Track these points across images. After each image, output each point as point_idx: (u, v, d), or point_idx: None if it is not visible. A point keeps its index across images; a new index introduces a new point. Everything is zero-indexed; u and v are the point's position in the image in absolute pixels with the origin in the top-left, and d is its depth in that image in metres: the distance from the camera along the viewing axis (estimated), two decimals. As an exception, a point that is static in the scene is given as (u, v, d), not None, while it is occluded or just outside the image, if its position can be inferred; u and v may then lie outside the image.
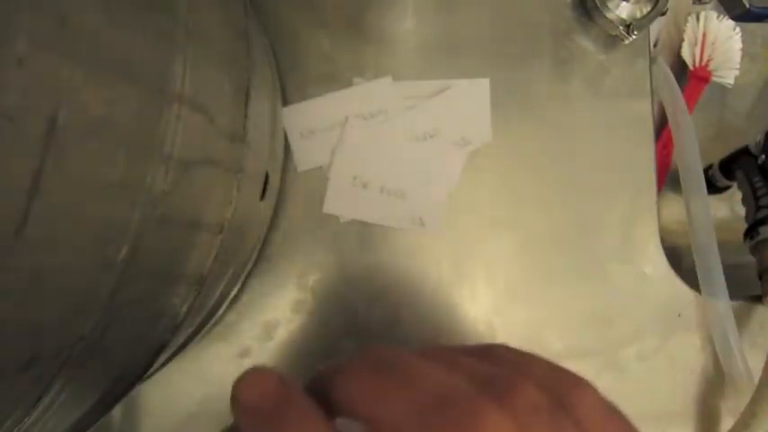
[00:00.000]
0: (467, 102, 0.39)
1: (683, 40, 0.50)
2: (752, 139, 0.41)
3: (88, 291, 0.18)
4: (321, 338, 0.38)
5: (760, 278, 0.36)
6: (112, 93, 0.16)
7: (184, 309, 0.25)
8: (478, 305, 0.38)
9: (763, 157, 0.39)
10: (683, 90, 0.48)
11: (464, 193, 0.39)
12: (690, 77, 0.50)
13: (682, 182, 0.39)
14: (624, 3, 0.38)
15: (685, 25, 0.50)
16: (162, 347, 0.25)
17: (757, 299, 0.38)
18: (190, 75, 0.20)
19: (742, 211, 0.40)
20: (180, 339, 0.28)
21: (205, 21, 0.23)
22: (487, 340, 0.38)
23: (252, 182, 0.29)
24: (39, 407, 0.18)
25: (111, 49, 0.16)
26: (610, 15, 0.38)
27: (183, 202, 0.21)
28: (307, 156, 0.39)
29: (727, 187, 0.49)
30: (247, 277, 0.37)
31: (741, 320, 0.38)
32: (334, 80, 0.39)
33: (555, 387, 0.15)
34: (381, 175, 0.39)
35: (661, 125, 0.49)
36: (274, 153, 0.35)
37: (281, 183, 0.38)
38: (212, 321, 0.35)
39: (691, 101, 0.50)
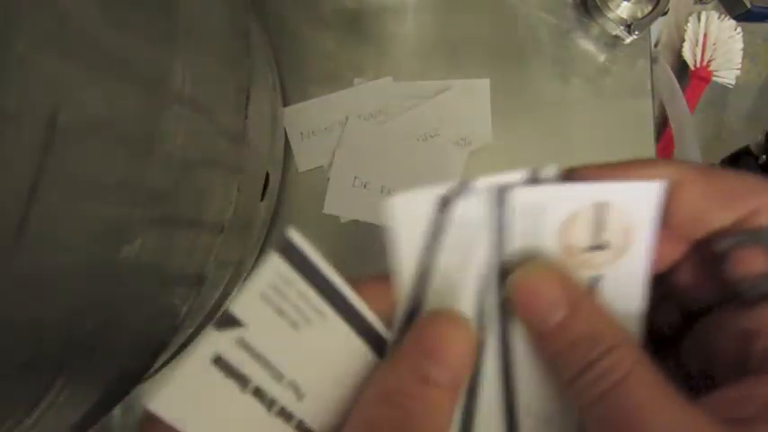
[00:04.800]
0: (467, 102, 0.39)
1: (683, 40, 0.50)
2: (753, 138, 0.41)
3: (88, 291, 0.18)
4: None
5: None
6: (112, 93, 0.16)
7: (184, 309, 0.25)
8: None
9: (764, 156, 0.39)
10: (683, 90, 0.48)
11: (464, 194, 0.39)
12: (691, 77, 0.50)
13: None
14: (625, 2, 0.38)
15: (686, 25, 0.50)
16: (162, 347, 0.25)
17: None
18: (190, 75, 0.20)
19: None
20: (180, 339, 0.28)
21: (205, 21, 0.23)
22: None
23: (252, 182, 0.29)
24: (39, 407, 0.18)
25: (111, 49, 0.16)
26: (610, 15, 0.38)
27: (183, 202, 0.21)
28: (307, 156, 0.39)
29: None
30: (247, 277, 0.37)
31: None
32: (335, 80, 0.39)
33: None
34: (382, 175, 0.39)
35: (662, 125, 0.49)
36: (275, 153, 0.35)
37: (281, 183, 0.38)
38: (213, 321, 0.35)
39: (692, 101, 0.50)
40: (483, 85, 0.39)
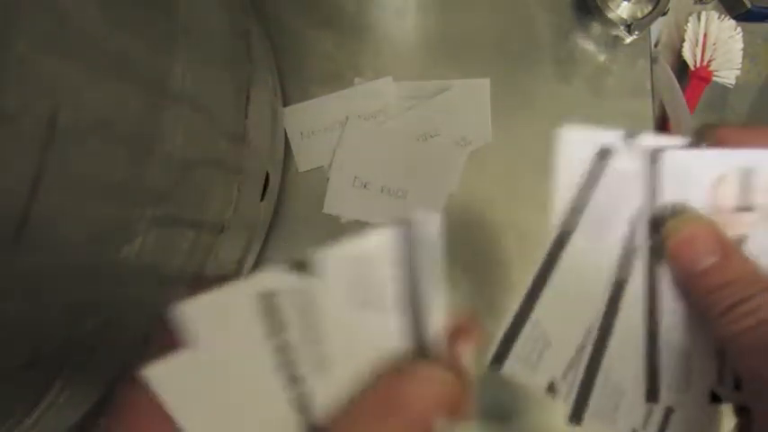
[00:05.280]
0: (467, 102, 0.39)
1: (683, 40, 0.50)
2: (753, 139, 0.41)
3: (88, 291, 0.18)
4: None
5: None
6: (112, 93, 0.16)
7: (185, 309, 0.25)
8: (479, 305, 0.38)
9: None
10: (683, 90, 0.48)
11: (464, 193, 0.39)
12: (691, 77, 0.50)
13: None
14: (625, 2, 0.38)
15: (686, 25, 0.50)
16: (162, 347, 0.25)
17: None
18: (190, 75, 0.20)
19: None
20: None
21: (205, 21, 0.23)
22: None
23: (252, 182, 0.29)
24: (39, 407, 0.18)
25: (111, 49, 0.16)
26: (611, 15, 0.38)
27: (183, 203, 0.21)
28: (307, 156, 0.39)
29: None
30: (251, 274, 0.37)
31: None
32: (335, 80, 0.39)
33: None
34: (381, 175, 0.39)
35: (662, 125, 0.49)
36: (275, 153, 0.35)
37: (281, 183, 0.38)
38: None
39: (692, 101, 0.50)
40: (483, 85, 0.39)
